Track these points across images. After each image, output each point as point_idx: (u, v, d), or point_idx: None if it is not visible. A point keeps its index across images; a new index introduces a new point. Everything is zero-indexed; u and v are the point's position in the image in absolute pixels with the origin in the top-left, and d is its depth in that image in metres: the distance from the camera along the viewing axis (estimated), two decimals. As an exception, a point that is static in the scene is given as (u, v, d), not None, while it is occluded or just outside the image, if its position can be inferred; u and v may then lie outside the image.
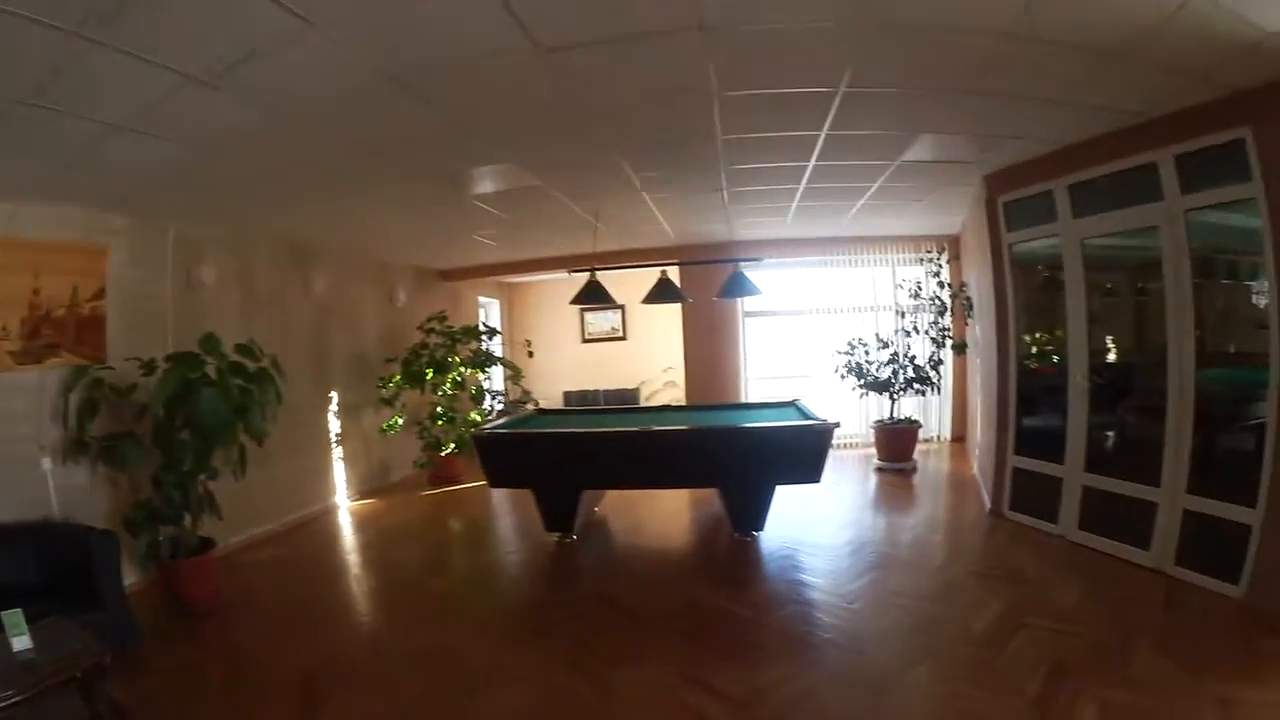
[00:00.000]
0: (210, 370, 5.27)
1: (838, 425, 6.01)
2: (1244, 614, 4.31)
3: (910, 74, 4.01)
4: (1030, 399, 6.48)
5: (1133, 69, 3.92)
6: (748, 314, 11.06)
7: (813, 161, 5.81)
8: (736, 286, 7.24)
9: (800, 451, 5.88)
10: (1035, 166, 5.89)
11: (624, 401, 12.91)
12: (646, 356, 13.50)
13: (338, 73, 3.47)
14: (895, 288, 10.35)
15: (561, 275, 8.53)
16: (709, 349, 10.69)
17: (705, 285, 9.24)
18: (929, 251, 9.96)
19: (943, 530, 6.58)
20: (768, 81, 4.05)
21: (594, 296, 7.14)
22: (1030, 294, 6.56)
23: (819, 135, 5.08)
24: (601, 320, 13.87)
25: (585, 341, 14.04)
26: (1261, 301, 4.43)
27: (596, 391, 13.35)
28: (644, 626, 4.66)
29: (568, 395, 13.41)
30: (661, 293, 7.42)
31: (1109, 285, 5.79)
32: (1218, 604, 4.48)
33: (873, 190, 7.02)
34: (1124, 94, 4.38)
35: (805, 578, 5.36)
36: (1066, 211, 5.71)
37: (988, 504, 6.86)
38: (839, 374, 9.71)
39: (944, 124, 5.01)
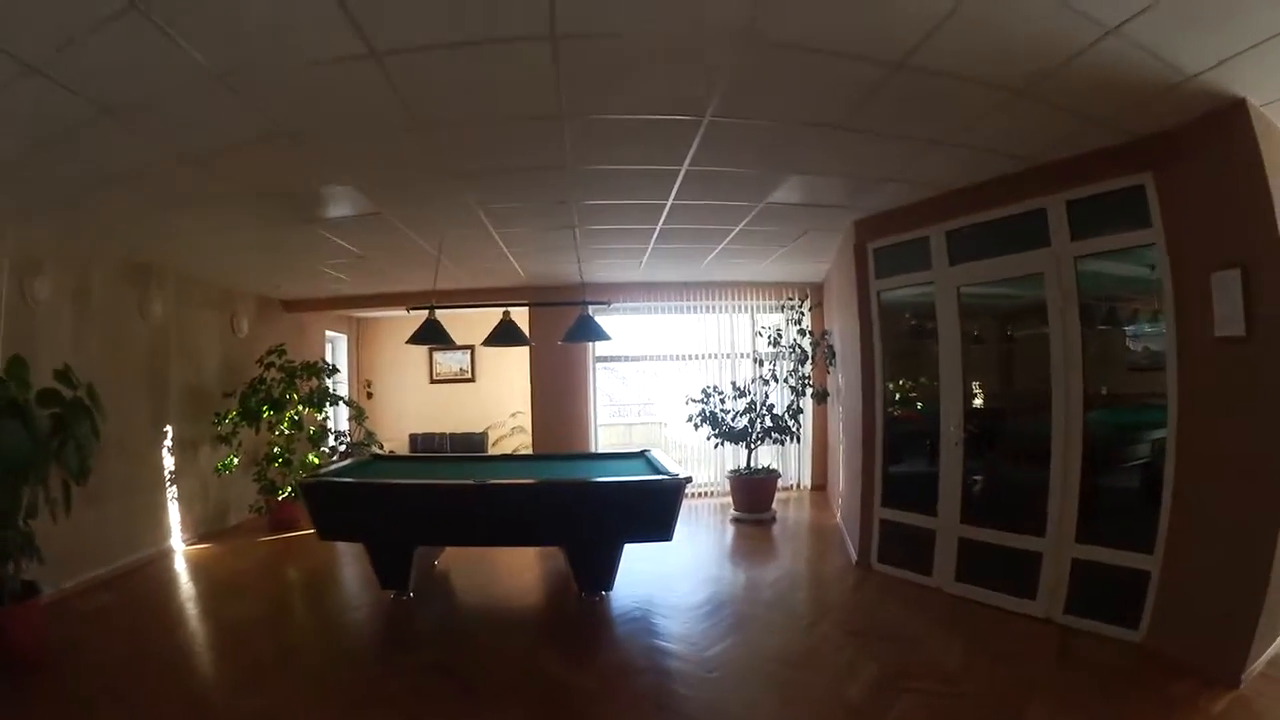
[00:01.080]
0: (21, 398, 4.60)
1: (688, 480, 5.58)
2: (1147, 659, 4.10)
3: (785, 104, 3.68)
4: (897, 447, 6.22)
5: (1034, 110, 3.73)
6: (599, 359, 10.58)
7: (671, 200, 5.48)
8: (583, 331, 6.88)
9: (649, 509, 5.41)
10: (911, 212, 5.71)
11: (470, 446, 12.35)
12: (495, 400, 12.86)
13: (162, 65, 2.97)
14: (755, 335, 10.07)
15: (413, 311, 7.91)
16: (557, 395, 10.14)
17: (557, 328, 8.66)
18: (790, 299, 9.76)
19: (808, 585, 6.14)
20: (625, 104, 3.66)
21: (432, 336, 6.56)
22: (898, 341, 6.33)
23: (679, 170, 4.71)
24: (450, 360, 13.12)
25: (434, 382, 13.28)
26: (1138, 346, 4.56)
27: (444, 435, 12.65)
28: (483, 701, 3.97)
29: (414, 438, 12.72)
30: (503, 334, 6.91)
31: (976, 332, 5.63)
32: (1118, 651, 4.24)
33: (735, 233, 6.73)
34: (1020, 137, 4.20)
35: (659, 642, 4.77)
36: (943, 258, 5.49)
37: (854, 555, 6.48)
38: (692, 423, 9.29)
39: (818, 164, 4.73)
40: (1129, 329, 4.74)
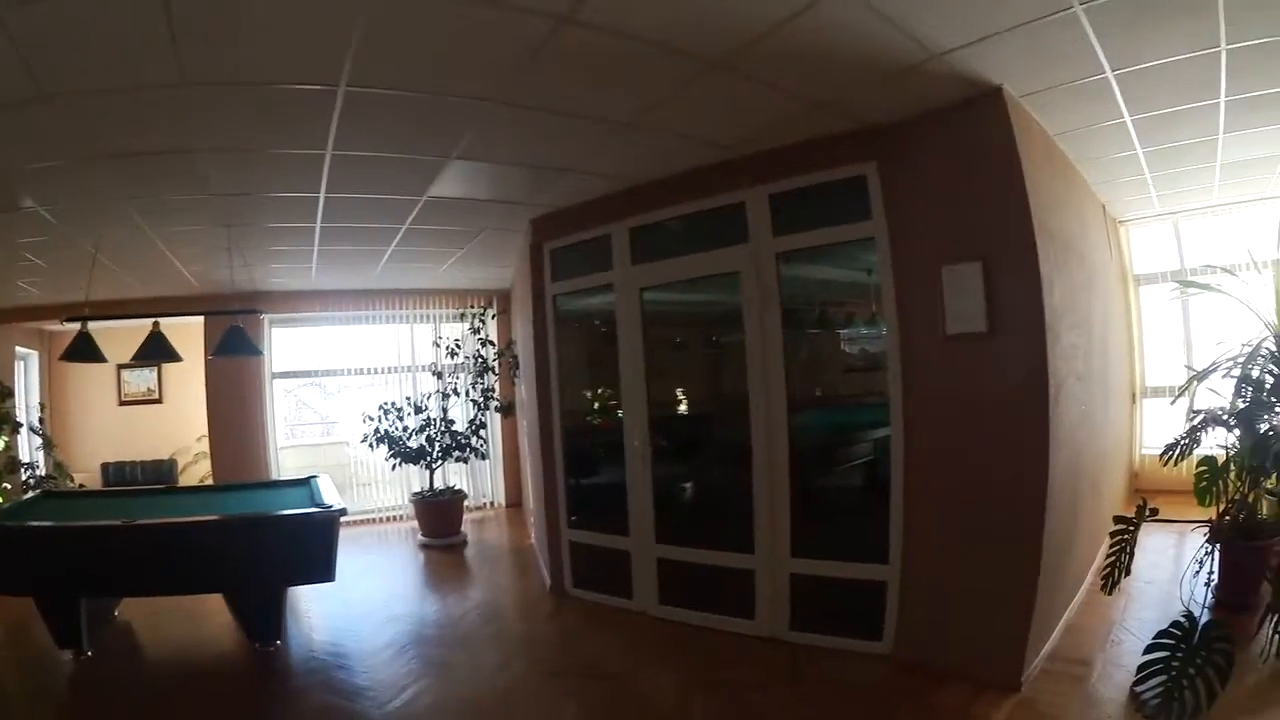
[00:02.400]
0: None
1: (343, 513, 4.91)
2: (902, 670, 3.84)
3: (431, 69, 3.03)
4: (594, 460, 5.75)
5: (736, 87, 3.27)
6: (279, 375, 9.27)
7: (323, 193, 4.67)
8: (233, 344, 6.30)
9: (301, 546, 4.73)
10: (593, 208, 5.22)
11: (159, 476, 10.57)
12: (184, 423, 10.83)
13: None
14: (434, 346, 9.20)
15: (107, 324, 6.36)
16: (233, 416, 8.73)
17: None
18: (473, 307, 9.04)
19: (500, 618, 5.49)
20: (248, 66, 2.90)
21: (85, 352, 5.69)
22: (592, 347, 5.87)
23: (324, 155, 3.95)
24: (139, 379, 11.01)
25: (123, 404, 11.11)
26: (854, 348, 4.40)
27: (134, 464, 10.68)
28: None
29: (105, 468, 10.59)
30: (150, 349, 5.97)
31: (679, 339, 5.38)
32: (866, 665, 3.96)
33: (403, 232, 5.95)
34: (722, 120, 3.78)
35: (335, 700, 4.01)
36: (625, 257, 5.04)
37: (548, 581, 5.91)
38: (368, 443, 8.27)
39: (483, 148, 4.08)
40: (845, 332, 4.61)
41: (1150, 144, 4.58)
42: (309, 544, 4.74)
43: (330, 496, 5.32)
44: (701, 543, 4.76)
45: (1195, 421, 4.68)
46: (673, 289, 5.12)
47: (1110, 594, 4.04)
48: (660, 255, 4.94)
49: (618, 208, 5.10)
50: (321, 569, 4.77)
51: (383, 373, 9.54)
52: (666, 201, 4.81)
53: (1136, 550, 3.99)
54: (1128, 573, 4.00)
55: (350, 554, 6.25)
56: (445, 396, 8.43)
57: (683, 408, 5.36)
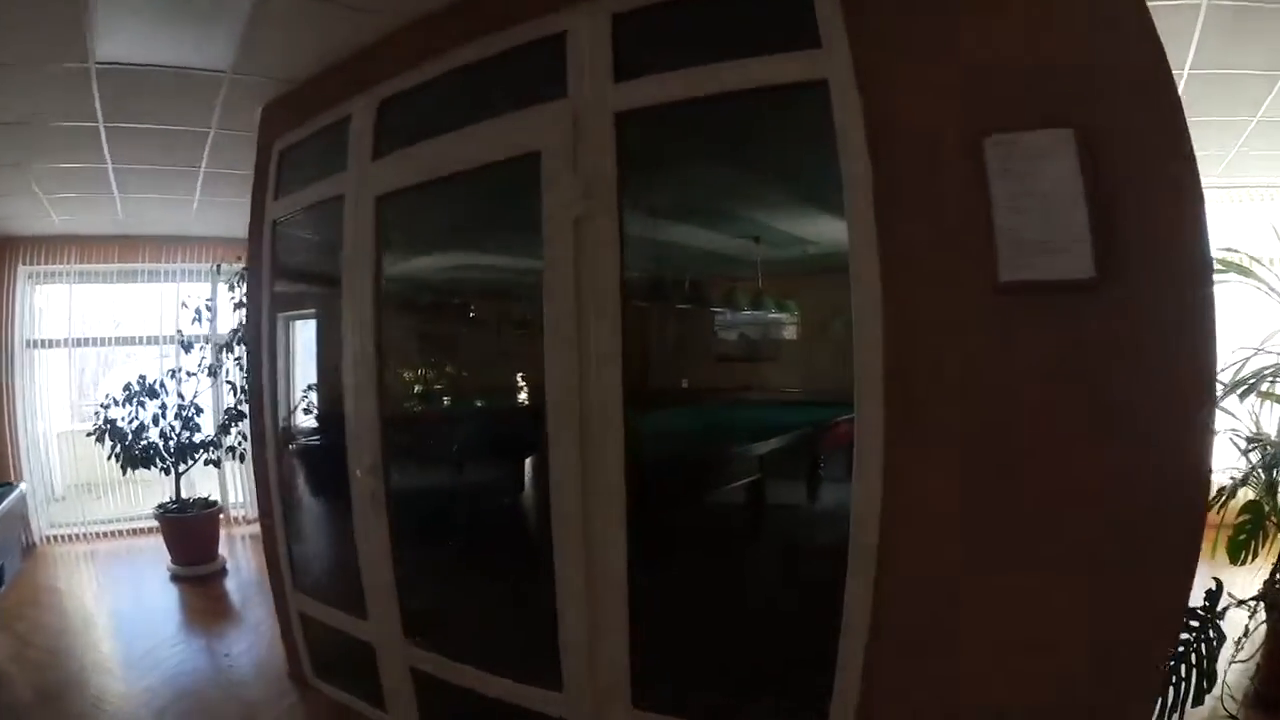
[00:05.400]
0: None
1: None
2: None
3: None
4: (324, 486, 3.62)
5: None
6: (34, 344, 6.82)
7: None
8: None
9: None
10: (334, 77, 3.17)
11: None
12: None
13: None
14: (183, 309, 6.54)
15: None
16: None
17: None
18: (237, 260, 6.01)
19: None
20: None
21: None
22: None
23: None
24: None
25: None
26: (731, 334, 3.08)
27: None
28: None
29: None
30: None
31: (472, 311, 3.32)
32: None
33: (106, 137, 4.09)
34: None
35: None
36: (365, 149, 2.88)
37: (285, 662, 3.79)
38: (96, 437, 5.85)
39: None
40: (724, 315, 3.18)
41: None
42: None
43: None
44: (476, 652, 2.65)
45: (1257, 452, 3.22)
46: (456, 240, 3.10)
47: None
48: (414, 139, 2.76)
49: (365, 71, 2.97)
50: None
51: (145, 343, 7.20)
52: (436, 49, 2.67)
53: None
54: (1199, 701, 2.28)
55: (69, 595, 5.15)
56: (189, 377, 6.02)
57: (448, 408, 3.27)
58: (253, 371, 3.59)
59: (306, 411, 3.54)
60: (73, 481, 7.34)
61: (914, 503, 1.82)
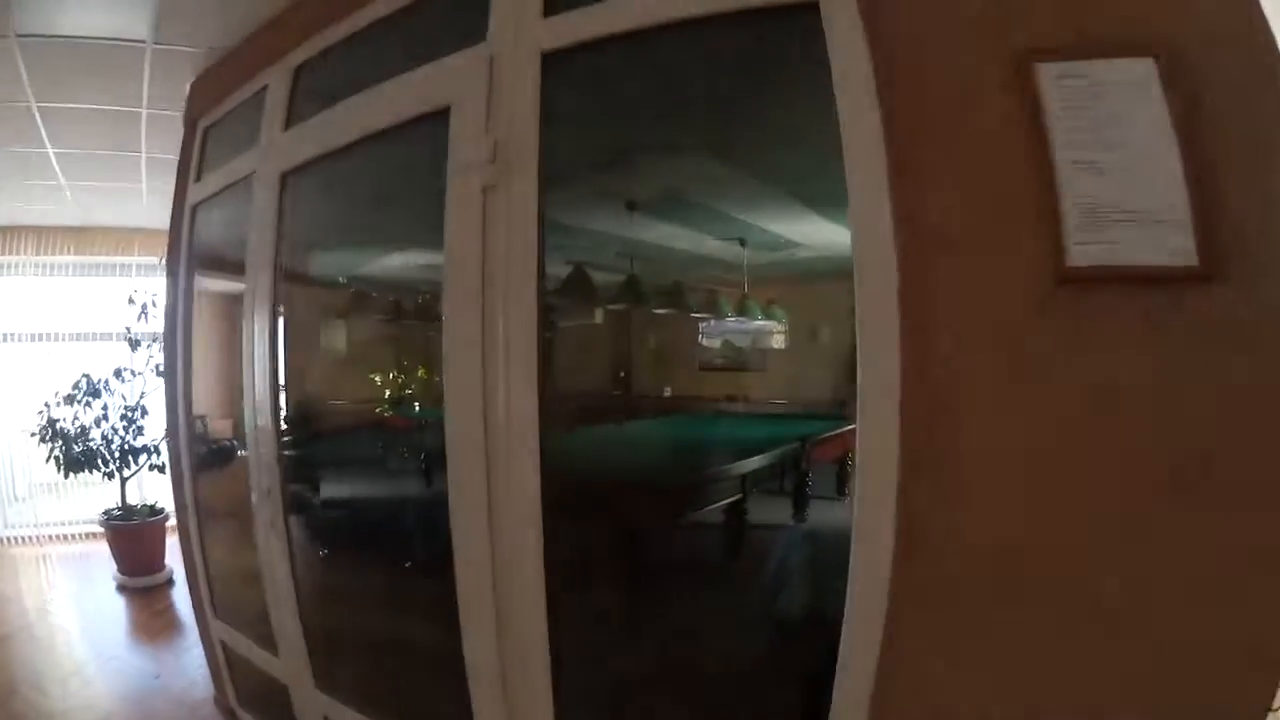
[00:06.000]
0: None
1: None
2: None
3: None
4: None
5: None
6: None
7: None
8: None
9: None
10: (255, 45, 2.82)
11: None
12: None
13: None
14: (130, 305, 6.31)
15: None
16: None
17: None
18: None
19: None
20: None
21: None
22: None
23: None
24: None
25: None
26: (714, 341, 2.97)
27: None
28: None
29: None
30: None
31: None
32: None
33: (40, 116, 3.82)
34: None
35: None
36: (277, 120, 2.50)
37: (212, 688, 3.50)
38: (38, 443, 5.60)
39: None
40: (707, 322, 3.16)
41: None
42: None
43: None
44: (392, 707, 2.28)
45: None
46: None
47: None
48: (320, 108, 2.38)
49: (281, 36, 2.62)
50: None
51: (97, 339, 6.79)
52: (351, 3, 2.29)
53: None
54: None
55: (14, 602, 4.92)
56: (133, 376, 5.69)
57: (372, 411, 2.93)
58: (168, 372, 3.24)
59: (223, 418, 3.19)
60: (39, 481, 7.00)
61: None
